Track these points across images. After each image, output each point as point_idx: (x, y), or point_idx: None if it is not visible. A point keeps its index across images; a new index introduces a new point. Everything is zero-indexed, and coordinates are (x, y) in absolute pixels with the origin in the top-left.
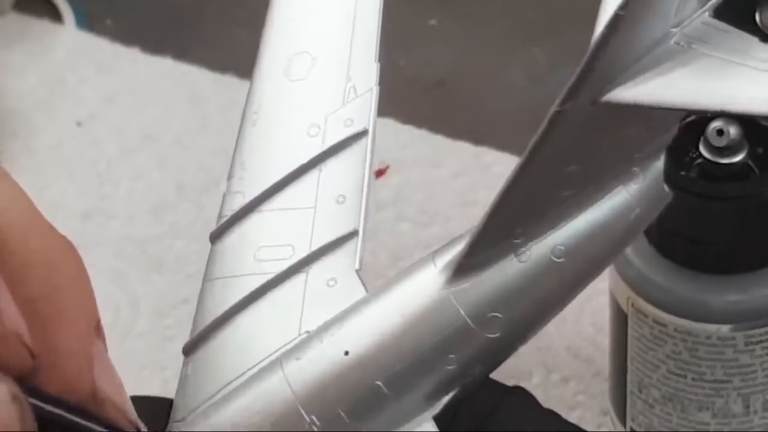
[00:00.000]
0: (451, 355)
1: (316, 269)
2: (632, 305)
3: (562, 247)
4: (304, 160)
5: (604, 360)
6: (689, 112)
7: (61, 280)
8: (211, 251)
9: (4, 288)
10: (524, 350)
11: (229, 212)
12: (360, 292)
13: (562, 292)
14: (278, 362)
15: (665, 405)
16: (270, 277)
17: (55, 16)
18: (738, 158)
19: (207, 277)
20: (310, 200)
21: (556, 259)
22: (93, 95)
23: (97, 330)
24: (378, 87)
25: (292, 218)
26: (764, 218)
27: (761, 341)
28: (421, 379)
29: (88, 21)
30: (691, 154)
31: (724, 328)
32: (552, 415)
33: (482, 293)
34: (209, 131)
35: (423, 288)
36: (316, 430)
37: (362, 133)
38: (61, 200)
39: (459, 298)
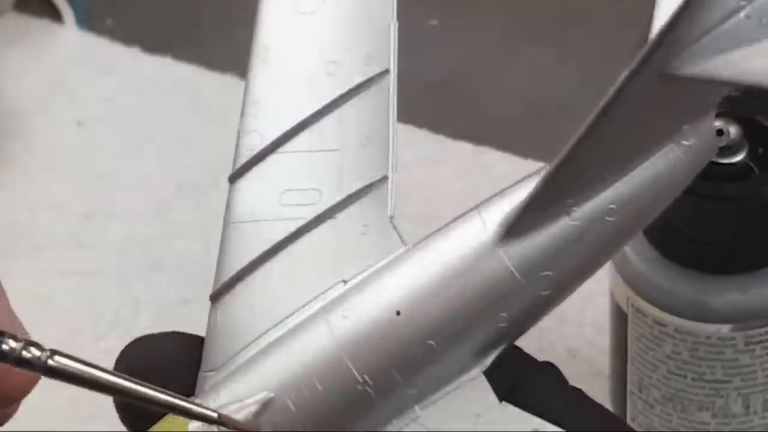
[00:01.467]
0: (503, 314)
1: (347, 216)
2: (632, 305)
3: (614, 206)
4: (325, 100)
5: (604, 360)
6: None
7: None
8: (231, 193)
9: None
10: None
11: (247, 152)
12: (394, 240)
13: (612, 248)
14: (321, 317)
15: (665, 405)
16: (298, 222)
17: (55, 16)
18: (738, 158)
19: (229, 220)
20: (334, 143)
21: (608, 219)
22: (93, 95)
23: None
24: (397, 22)
25: (316, 161)
26: (764, 218)
27: (761, 341)
28: (473, 338)
29: (88, 21)
30: None
31: (724, 328)
32: (577, 392)
33: (535, 253)
34: (209, 131)
35: (474, 247)
36: (369, 389)
37: (383, 73)
38: (61, 200)
39: (511, 257)
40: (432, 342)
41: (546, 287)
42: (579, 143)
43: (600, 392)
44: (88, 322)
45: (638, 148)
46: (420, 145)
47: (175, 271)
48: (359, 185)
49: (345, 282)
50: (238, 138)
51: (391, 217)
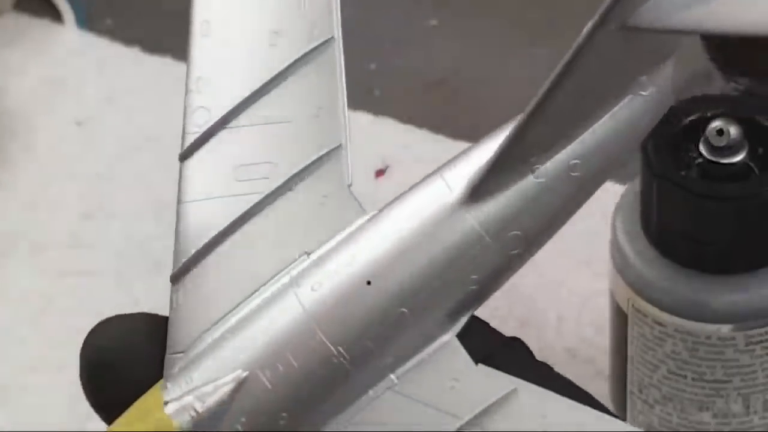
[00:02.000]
0: (473, 276)
1: (305, 187)
2: (632, 305)
3: (578, 161)
4: (272, 72)
5: (604, 360)
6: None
7: None
8: (182, 171)
9: None
10: None
11: (195, 129)
12: (354, 208)
13: (579, 201)
14: (292, 292)
15: (665, 405)
16: (255, 198)
17: (55, 16)
18: (738, 158)
19: (182, 200)
20: (285, 114)
21: (572, 174)
22: (93, 95)
23: None
24: None
25: (269, 133)
26: (764, 218)
27: (761, 341)
28: (445, 302)
29: (88, 21)
30: (691, 154)
31: (725, 328)
32: (545, 368)
33: (502, 214)
34: None
35: (440, 211)
36: (344, 362)
37: (329, 41)
38: (61, 200)
39: (480, 220)
40: (404, 309)
41: (515, 247)
42: (543, 100)
43: (600, 392)
44: (88, 322)
45: (600, 102)
46: (420, 145)
47: None
48: (314, 156)
49: (308, 254)
50: (185, 116)
51: (350, 185)
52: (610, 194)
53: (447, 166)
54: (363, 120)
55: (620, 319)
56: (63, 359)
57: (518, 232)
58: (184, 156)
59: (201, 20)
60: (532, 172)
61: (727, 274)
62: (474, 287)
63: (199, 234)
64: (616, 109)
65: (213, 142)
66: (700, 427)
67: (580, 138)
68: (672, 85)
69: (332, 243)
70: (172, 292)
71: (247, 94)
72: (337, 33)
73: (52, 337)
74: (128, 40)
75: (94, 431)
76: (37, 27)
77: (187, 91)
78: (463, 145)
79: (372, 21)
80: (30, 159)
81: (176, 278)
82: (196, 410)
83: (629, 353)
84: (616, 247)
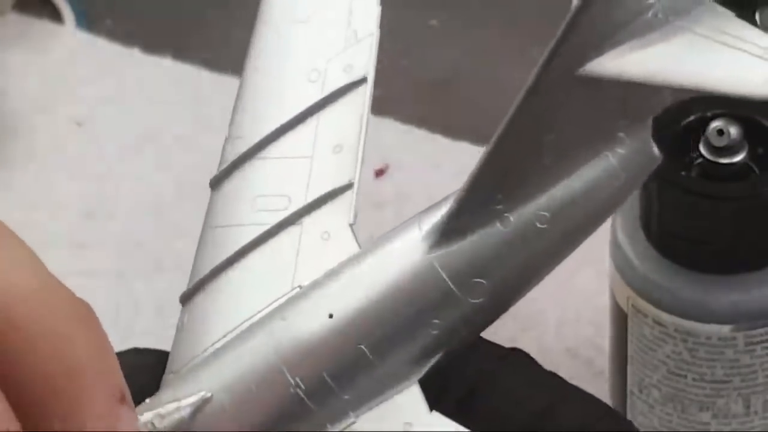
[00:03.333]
0: (435, 320)
1: (311, 221)
2: (632, 305)
3: (546, 214)
4: (304, 106)
5: (604, 360)
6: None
7: (78, 352)
8: (211, 198)
9: None
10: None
11: (230, 157)
12: (353, 247)
13: (547, 259)
14: (266, 320)
15: (665, 405)
16: (266, 228)
17: (55, 16)
18: (738, 158)
19: (207, 225)
20: (308, 149)
21: (539, 226)
22: (93, 95)
23: (123, 399)
24: (378, 31)
25: (290, 167)
26: (764, 218)
27: (762, 341)
28: (405, 343)
29: (88, 21)
30: (691, 154)
31: (725, 329)
32: (550, 376)
33: (465, 259)
34: (209, 131)
35: (407, 252)
36: (300, 393)
37: (361, 81)
38: (61, 200)
39: (442, 263)
40: (363, 346)
41: (479, 295)
42: (498, 144)
43: (600, 392)
44: None
45: (567, 153)
46: (420, 145)
47: (175, 271)
48: (324, 190)
49: (301, 287)
50: (225, 143)
51: (351, 225)
52: None
53: (429, 208)
54: None
55: (620, 319)
56: None
57: (482, 281)
58: (215, 183)
59: (255, 52)
60: (500, 219)
61: (727, 275)
62: (435, 332)
63: (212, 259)
64: (590, 164)
65: (241, 171)
66: (700, 427)
67: (551, 191)
68: (655, 143)
69: (316, 278)
70: (180, 312)
71: (276, 126)
72: (370, 74)
73: None
74: (128, 40)
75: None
76: (37, 27)
77: (231, 121)
78: (463, 145)
79: None
80: (30, 159)
81: (185, 300)
82: (155, 427)
83: (629, 353)
84: (616, 247)
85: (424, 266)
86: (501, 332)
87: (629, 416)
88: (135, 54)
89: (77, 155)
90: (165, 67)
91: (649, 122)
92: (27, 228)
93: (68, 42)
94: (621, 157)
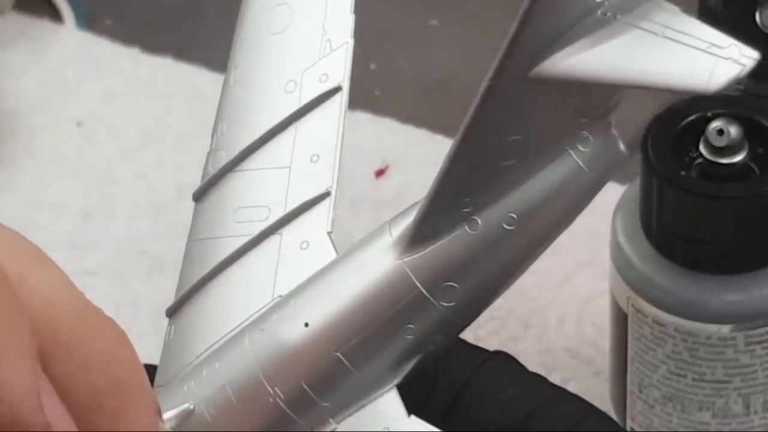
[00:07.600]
0: (410, 325)
1: (290, 231)
2: (632, 305)
3: (514, 215)
4: (281, 117)
5: (604, 360)
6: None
7: (121, 370)
8: (195, 211)
9: (52, 392)
10: (524, 351)
11: (212, 170)
12: (331, 255)
13: (517, 260)
14: (245, 332)
15: (665, 405)
16: (247, 239)
17: (55, 16)
18: (738, 158)
19: (190, 238)
20: (286, 159)
21: (507, 227)
22: (93, 95)
23: (159, 412)
24: (353, 40)
25: (269, 178)
26: (764, 218)
27: (761, 341)
28: (381, 350)
29: (88, 21)
30: (691, 154)
31: (725, 329)
32: (535, 379)
33: (436, 263)
34: (209, 131)
35: (378, 258)
36: (280, 402)
37: (336, 89)
38: (61, 200)
39: (413, 268)
40: (339, 354)
41: (452, 299)
42: (459, 147)
43: (600, 392)
44: None
45: (531, 154)
46: (420, 145)
47: (175, 271)
48: (303, 200)
49: (281, 297)
50: (207, 157)
51: (330, 233)
52: (611, 194)
53: (398, 215)
54: (363, 120)
55: (620, 319)
56: None
57: (454, 284)
58: (197, 196)
59: (233, 65)
60: (468, 222)
61: (727, 274)
62: (410, 337)
63: (195, 272)
64: (554, 164)
65: (222, 184)
66: (700, 427)
67: (517, 192)
68: (624, 140)
69: (295, 287)
70: (167, 326)
71: (255, 138)
72: (345, 83)
73: None
74: (128, 40)
75: None
76: (37, 27)
77: (212, 134)
78: None
79: (372, 21)
80: (30, 159)
81: (171, 313)
82: None
83: (629, 353)
84: (616, 247)
85: (396, 272)
86: (501, 332)
87: (629, 416)
88: (135, 54)
89: (77, 155)
90: (165, 67)
91: (611, 120)
92: (27, 228)
93: (68, 42)
94: (586, 156)
